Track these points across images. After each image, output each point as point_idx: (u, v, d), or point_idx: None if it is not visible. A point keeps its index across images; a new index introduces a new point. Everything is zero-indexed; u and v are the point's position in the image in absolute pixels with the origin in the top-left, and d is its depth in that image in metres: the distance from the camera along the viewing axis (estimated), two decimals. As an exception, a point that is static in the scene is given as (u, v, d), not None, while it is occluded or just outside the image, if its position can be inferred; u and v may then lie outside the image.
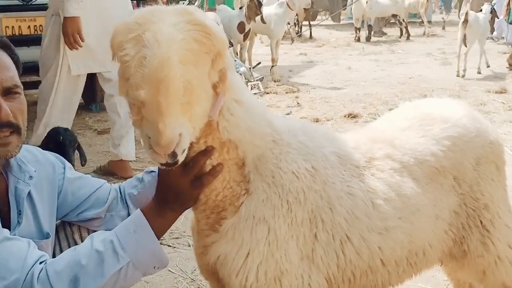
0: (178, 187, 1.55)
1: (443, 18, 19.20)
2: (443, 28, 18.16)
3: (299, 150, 1.69)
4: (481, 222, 1.90)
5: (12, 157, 1.70)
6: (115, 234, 1.56)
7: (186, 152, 1.39)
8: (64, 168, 1.95)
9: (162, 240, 3.51)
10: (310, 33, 16.41)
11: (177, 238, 3.55)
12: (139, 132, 1.42)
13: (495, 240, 1.91)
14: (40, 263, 1.50)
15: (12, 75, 1.67)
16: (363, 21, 15.99)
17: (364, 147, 1.85)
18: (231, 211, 1.63)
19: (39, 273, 1.47)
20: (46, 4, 5.77)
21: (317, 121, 6.46)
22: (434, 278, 2.96)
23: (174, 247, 3.41)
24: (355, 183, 1.75)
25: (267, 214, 1.61)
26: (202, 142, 1.52)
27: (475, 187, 1.89)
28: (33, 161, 1.85)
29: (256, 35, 11.10)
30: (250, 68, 6.70)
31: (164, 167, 1.41)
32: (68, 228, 2.02)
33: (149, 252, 1.57)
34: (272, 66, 9.56)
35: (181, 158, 1.38)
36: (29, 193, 1.81)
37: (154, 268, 1.61)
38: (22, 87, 1.70)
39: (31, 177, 1.81)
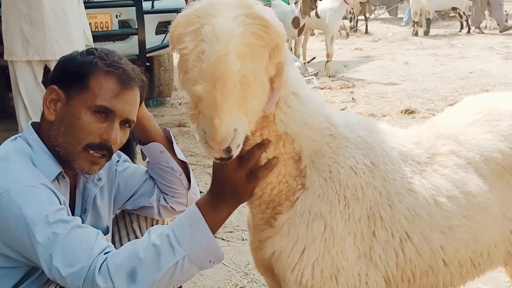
0: (233, 181, 1.54)
1: (505, 11, 18.41)
2: (506, 21, 17.42)
3: (358, 145, 1.64)
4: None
5: (89, 174, 1.79)
6: (171, 228, 1.57)
7: (240, 147, 1.38)
8: (118, 161, 2.00)
9: (216, 234, 3.53)
10: (366, 27, 16.12)
11: (231, 232, 3.56)
12: (195, 126, 1.42)
13: None
14: (105, 254, 1.53)
15: (135, 114, 1.77)
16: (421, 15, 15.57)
17: (427, 142, 1.78)
18: (287, 206, 1.60)
19: (101, 264, 1.50)
20: (106, 1, 5.97)
21: (372, 117, 6.32)
22: (494, 279, 2.83)
23: (228, 241, 3.42)
24: (416, 179, 1.68)
25: (324, 210, 1.57)
26: (258, 135, 1.50)
27: (544, 187, 1.78)
28: None
29: (311, 30, 10.99)
30: (304, 63, 6.64)
31: (219, 162, 1.41)
32: (127, 218, 2.08)
33: (204, 246, 1.56)
34: (327, 61, 9.45)
35: (235, 153, 1.37)
36: None
37: (209, 262, 1.60)
38: (135, 123, 1.79)
39: (100, 179, 1.87)
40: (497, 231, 1.75)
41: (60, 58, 1.80)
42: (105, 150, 1.70)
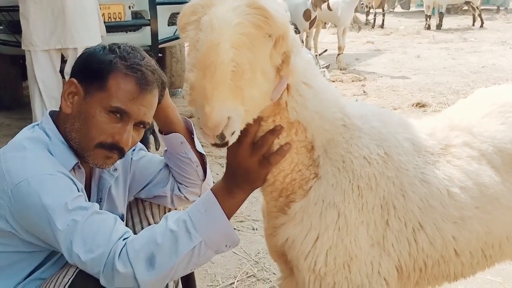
0: (246, 166, 1.56)
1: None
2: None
3: (372, 136, 1.65)
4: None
5: (103, 168, 1.81)
6: (187, 214, 1.59)
7: (237, 134, 1.39)
8: (134, 150, 2.02)
9: (227, 223, 3.57)
10: (383, 21, 15.95)
11: (241, 221, 3.60)
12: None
13: None
14: (124, 239, 1.56)
15: (151, 115, 1.78)
16: (433, 8, 15.44)
17: (440, 134, 1.79)
18: (300, 194, 1.62)
19: (121, 250, 1.53)
20: (120, -8, 5.98)
21: (384, 110, 6.32)
22: (503, 271, 2.85)
23: (239, 230, 3.46)
24: (429, 170, 1.69)
25: (337, 199, 1.59)
26: (270, 121, 1.52)
27: (559, 178, 1.78)
28: None
29: (323, 23, 10.96)
30: (316, 56, 6.63)
31: (215, 147, 1.43)
32: (141, 205, 2.10)
33: (220, 231, 1.59)
34: (338, 54, 9.44)
35: (231, 140, 1.38)
36: None
37: (225, 246, 1.63)
38: (150, 124, 1.80)
39: (115, 169, 1.90)
40: (509, 223, 1.76)
41: (83, 52, 1.81)
42: (116, 150, 1.71)
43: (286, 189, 1.63)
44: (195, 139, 1.98)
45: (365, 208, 1.61)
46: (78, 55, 4.66)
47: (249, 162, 1.56)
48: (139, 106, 1.69)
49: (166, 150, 2.02)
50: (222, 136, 1.35)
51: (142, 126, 1.76)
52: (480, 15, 15.67)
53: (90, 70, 1.70)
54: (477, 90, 2.06)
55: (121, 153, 1.74)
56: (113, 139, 1.69)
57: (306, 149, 1.60)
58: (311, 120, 1.55)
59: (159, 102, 1.81)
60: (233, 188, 1.60)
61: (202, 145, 2.04)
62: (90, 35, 4.52)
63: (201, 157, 2.00)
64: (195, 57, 1.31)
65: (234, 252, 3.18)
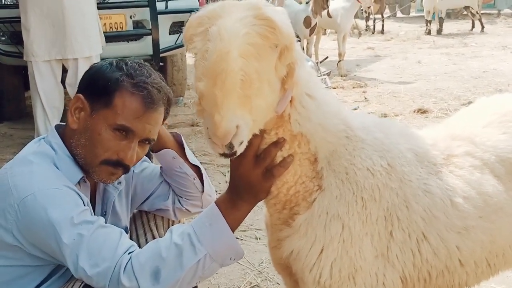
0: (250, 179, 1.57)
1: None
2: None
3: (375, 147, 1.66)
4: None
5: (107, 183, 1.82)
6: (192, 227, 1.60)
7: (244, 144, 1.40)
8: None
9: (231, 232, 3.57)
10: (382, 27, 15.98)
11: (244, 231, 3.59)
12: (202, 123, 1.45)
13: None
14: (129, 253, 1.57)
15: (156, 132, 1.79)
16: (433, 13, 15.48)
17: (443, 144, 1.80)
18: (304, 206, 1.62)
19: (126, 263, 1.54)
20: (121, 2, 6.02)
21: (385, 116, 6.34)
22: (508, 279, 2.84)
23: (242, 240, 3.46)
24: (432, 180, 1.70)
25: (341, 211, 1.60)
26: (273, 134, 1.53)
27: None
28: None
29: (323, 30, 10.99)
30: (317, 63, 6.65)
31: (223, 157, 1.44)
32: (145, 216, 2.11)
33: (225, 244, 1.59)
34: (339, 61, 9.46)
35: (239, 150, 1.39)
36: None
37: (230, 259, 1.63)
38: (155, 140, 1.81)
39: (120, 182, 1.91)
40: (513, 232, 1.77)
41: (90, 67, 1.82)
42: (121, 167, 1.73)
43: (290, 201, 1.64)
44: (187, 152, 1.98)
45: (369, 219, 1.61)
46: (79, 66, 4.67)
47: (252, 175, 1.56)
48: (145, 124, 1.71)
49: (161, 166, 2.02)
50: (231, 146, 1.36)
51: (147, 142, 1.78)
52: (480, 20, 15.70)
53: (97, 87, 1.71)
54: (479, 99, 2.07)
55: (126, 169, 1.75)
56: (118, 156, 1.70)
57: (309, 161, 1.61)
58: (314, 132, 1.56)
59: (164, 118, 1.82)
60: (237, 201, 1.61)
61: (203, 154, 2.04)
62: (91, 45, 4.54)
63: (197, 169, 2.01)
64: (204, 66, 1.32)
65: (237, 262, 3.16)
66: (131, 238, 2.07)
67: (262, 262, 3.20)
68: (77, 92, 1.77)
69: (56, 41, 4.41)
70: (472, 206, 1.70)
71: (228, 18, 1.33)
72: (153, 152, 1.97)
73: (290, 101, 1.50)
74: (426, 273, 1.69)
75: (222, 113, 1.30)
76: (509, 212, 1.74)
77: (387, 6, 19.35)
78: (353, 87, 8.23)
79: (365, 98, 7.42)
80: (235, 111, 1.31)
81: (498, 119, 1.87)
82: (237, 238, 3.40)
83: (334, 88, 8.13)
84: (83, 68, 4.27)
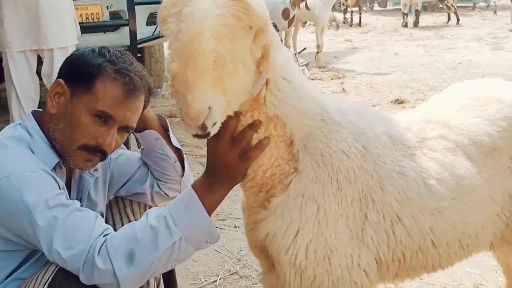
0: (226, 161, 1.57)
1: (494, 2, 18.53)
2: (495, 12, 17.54)
3: (350, 130, 1.68)
4: (536, 205, 1.84)
5: (83, 171, 1.81)
6: (168, 210, 1.60)
7: (218, 124, 1.40)
8: None
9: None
10: (360, 19, 16.07)
11: (223, 219, 3.60)
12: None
13: (549, 224, 1.84)
14: (104, 236, 1.56)
15: (136, 120, 1.78)
16: (410, 6, 15.62)
17: (417, 127, 1.82)
18: (280, 189, 1.63)
19: (101, 246, 1.53)
20: (97, -8, 5.94)
21: (363, 107, 6.38)
22: (483, 263, 2.90)
23: (221, 228, 3.46)
24: (406, 163, 1.72)
25: (317, 193, 1.61)
26: (249, 116, 1.53)
27: (531, 169, 1.83)
28: None
29: (301, 22, 11.01)
30: (295, 54, 6.66)
31: (196, 138, 1.44)
32: (121, 203, 2.10)
33: (200, 227, 1.59)
34: (317, 53, 9.50)
35: (212, 130, 1.39)
36: None
37: (206, 242, 1.63)
38: (134, 128, 1.80)
39: (96, 169, 1.89)
40: (485, 213, 1.81)
41: (72, 53, 1.81)
42: (99, 153, 1.71)
43: (266, 183, 1.64)
44: (171, 135, 1.98)
45: (344, 201, 1.63)
46: (54, 57, 4.60)
47: (228, 157, 1.57)
48: (125, 111, 1.70)
49: (142, 148, 2.02)
50: (203, 127, 1.36)
51: (126, 130, 1.77)
52: (456, 12, 15.89)
53: (78, 72, 1.70)
54: (452, 85, 2.10)
55: (103, 155, 1.74)
56: (96, 141, 1.69)
57: (285, 144, 1.62)
58: (290, 114, 1.56)
59: (144, 108, 1.81)
60: (213, 184, 1.61)
61: (182, 145, 2.03)
62: (65, 36, 4.47)
63: (179, 153, 2.00)
64: (177, 47, 1.32)
65: (216, 250, 3.19)
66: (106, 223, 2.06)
67: (241, 250, 3.21)
68: (58, 77, 1.75)
69: (31, 31, 4.34)
70: (445, 187, 1.73)
71: None
72: (136, 133, 1.96)
73: (266, 83, 1.50)
74: (400, 254, 1.71)
75: (194, 93, 1.30)
76: (481, 193, 1.78)
77: (365, 0, 19.47)
78: (331, 79, 8.28)
79: (343, 89, 7.47)
80: (207, 92, 1.31)
81: (470, 103, 1.90)
82: (217, 227, 3.43)
83: (313, 79, 8.17)
84: (58, 59, 4.21)
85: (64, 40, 4.46)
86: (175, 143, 2.00)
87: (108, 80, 1.68)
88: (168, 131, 1.99)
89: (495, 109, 1.85)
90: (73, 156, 1.70)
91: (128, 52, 1.79)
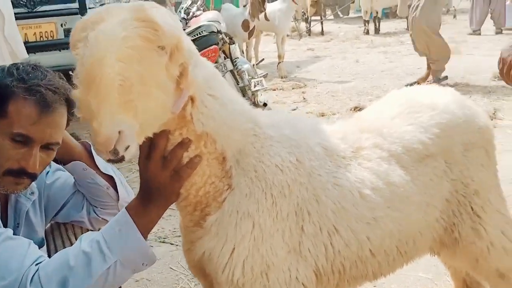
0: (158, 181, 1.54)
1: (454, 7, 18.96)
2: (454, 16, 17.94)
3: (283, 143, 1.68)
4: (472, 208, 1.88)
5: (16, 193, 1.76)
6: (101, 234, 1.57)
7: (133, 148, 1.37)
8: (48, 173, 1.98)
9: (165, 238, 3.54)
10: (322, 28, 16.21)
11: (179, 236, 3.55)
12: None
13: (486, 226, 1.88)
14: (36, 264, 1.52)
15: (60, 135, 1.73)
16: (371, 13, 15.88)
17: (352, 137, 1.84)
18: (215, 207, 1.62)
19: (33, 275, 1.49)
20: (51, 11, 5.88)
21: (322, 115, 6.45)
22: (435, 267, 2.93)
23: (177, 245, 3.43)
24: (341, 173, 1.73)
25: (251, 209, 1.60)
26: (177, 134, 1.51)
27: (465, 173, 1.87)
28: None
29: (262, 32, 11.07)
30: (253, 65, 6.69)
31: (111, 163, 1.42)
32: (62, 226, 2.06)
33: (135, 250, 1.57)
34: (279, 63, 9.55)
35: (126, 154, 1.36)
36: None
37: (142, 265, 1.61)
38: (60, 144, 1.75)
39: (32, 192, 1.84)
40: (422, 219, 1.83)
41: None
42: (25, 176, 1.67)
43: (200, 202, 1.63)
44: (97, 161, 1.93)
45: (280, 216, 1.63)
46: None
47: (161, 177, 1.54)
48: (43, 129, 1.65)
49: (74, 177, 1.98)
50: (115, 152, 1.33)
51: (50, 147, 1.72)
52: (415, 18, 16.17)
53: None
54: (390, 92, 2.13)
55: (32, 177, 1.69)
56: (19, 165, 1.65)
57: (218, 161, 1.61)
58: (219, 130, 1.55)
59: (69, 120, 1.77)
60: (147, 205, 1.59)
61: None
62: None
63: (110, 178, 1.96)
64: (80, 72, 1.30)
65: (171, 268, 3.16)
66: (48, 248, 2.01)
67: (197, 267, 3.18)
68: None
69: None
70: (380, 196, 1.74)
71: (110, 21, 1.31)
72: (63, 165, 1.92)
73: (192, 101, 1.49)
74: (339, 265, 1.72)
75: (99, 120, 1.27)
76: (415, 200, 1.80)
77: (328, 8, 19.69)
78: (293, 88, 8.32)
79: (304, 99, 7.52)
80: (114, 117, 1.28)
81: (405, 111, 1.92)
82: (172, 244, 3.43)
83: (274, 89, 8.21)
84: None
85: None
86: (105, 168, 1.95)
87: (18, 100, 1.63)
88: (94, 157, 1.94)
89: (428, 115, 1.88)
90: (1, 183, 1.66)
91: (42, 66, 1.74)
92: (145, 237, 1.60)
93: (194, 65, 1.43)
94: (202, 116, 1.51)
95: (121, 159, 1.37)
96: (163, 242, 3.52)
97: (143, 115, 1.34)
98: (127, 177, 4.48)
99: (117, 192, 1.97)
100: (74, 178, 1.96)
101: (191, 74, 1.41)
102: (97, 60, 1.26)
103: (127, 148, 1.34)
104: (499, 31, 13.31)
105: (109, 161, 1.37)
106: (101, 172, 1.93)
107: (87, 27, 1.33)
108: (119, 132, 1.30)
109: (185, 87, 1.42)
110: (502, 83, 7.39)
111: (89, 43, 1.29)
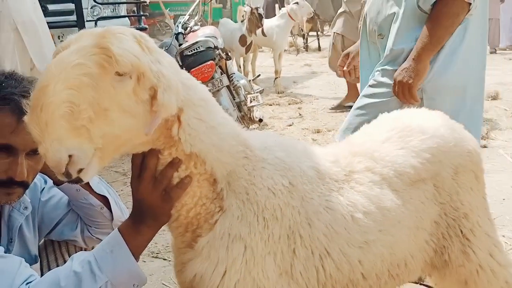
0: (149, 202, 1.55)
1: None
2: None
3: (276, 166, 1.69)
4: (461, 231, 1.89)
5: (10, 204, 1.76)
6: (93, 254, 1.57)
7: (89, 170, 1.37)
8: (43, 189, 1.98)
9: (157, 253, 3.53)
10: (318, 44, 16.31)
11: (170, 251, 3.55)
12: None
13: (475, 249, 1.90)
14: (27, 283, 1.52)
15: None
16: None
17: (344, 160, 1.85)
18: (206, 228, 1.62)
19: None
20: (48, 23, 5.88)
21: (318, 132, 6.46)
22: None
23: (170, 261, 3.41)
24: (334, 197, 1.74)
25: (243, 232, 1.61)
26: (167, 154, 1.53)
27: (454, 197, 1.89)
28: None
29: (259, 48, 11.13)
30: (250, 81, 6.73)
31: (71, 183, 1.43)
32: (56, 243, 2.06)
33: (127, 271, 1.57)
34: (276, 78, 9.59)
35: (82, 176, 1.36)
36: None
37: (134, 286, 1.61)
38: None
39: (26, 207, 1.84)
40: (413, 242, 1.84)
41: None
42: (15, 185, 1.68)
43: (192, 223, 1.63)
44: (92, 181, 1.94)
45: (272, 239, 1.63)
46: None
47: (152, 198, 1.55)
48: (23, 136, 1.65)
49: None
50: (68, 174, 1.34)
51: (37, 153, 1.72)
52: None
53: None
54: (381, 115, 2.14)
55: (22, 185, 1.69)
56: (6, 175, 1.66)
57: (209, 182, 1.61)
58: (208, 152, 1.56)
59: None
60: (139, 225, 1.59)
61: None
62: None
63: (104, 197, 1.97)
64: (30, 99, 1.33)
65: (163, 284, 3.15)
66: (41, 265, 2.01)
67: (190, 284, 3.17)
68: None
69: None
70: (372, 220, 1.75)
71: (71, 48, 1.33)
72: (56, 186, 1.92)
73: (179, 121, 1.50)
74: (330, 288, 1.72)
75: (45, 145, 1.29)
76: (406, 224, 1.81)
77: (325, 24, 19.81)
78: (289, 104, 8.35)
79: (300, 115, 7.54)
80: (62, 141, 1.29)
81: (396, 134, 1.94)
82: (165, 260, 3.42)
83: (270, 105, 8.24)
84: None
85: None
86: (98, 189, 1.96)
87: None
88: None
89: (419, 140, 1.90)
90: None
91: (17, 73, 1.75)
92: (137, 258, 1.61)
93: (163, 89, 1.42)
94: (190, 138, 1.52)
95: (78, 180, 1.37)
96: (156, 257, 3.51)
97: (104, 139, 1.35)
98: (121, 190, 4.48)
99: (111, 212, 1.97)
100: (69, 198, 1.97)
101: (161, 97, 1.40)
102: (42, 87, 1.28)
103: (80, 170, 1.35)
104: (493, 51, 13.43)
105: (68, 182, 1.38)
106: (95, 192, 1.93)
107: (57, 52, 1.36)
108: (69, 156, 1.31)
109: (156, 109, 1.42)
110: (495, 103, 7.46)
111: (43, 71, 1.32)
